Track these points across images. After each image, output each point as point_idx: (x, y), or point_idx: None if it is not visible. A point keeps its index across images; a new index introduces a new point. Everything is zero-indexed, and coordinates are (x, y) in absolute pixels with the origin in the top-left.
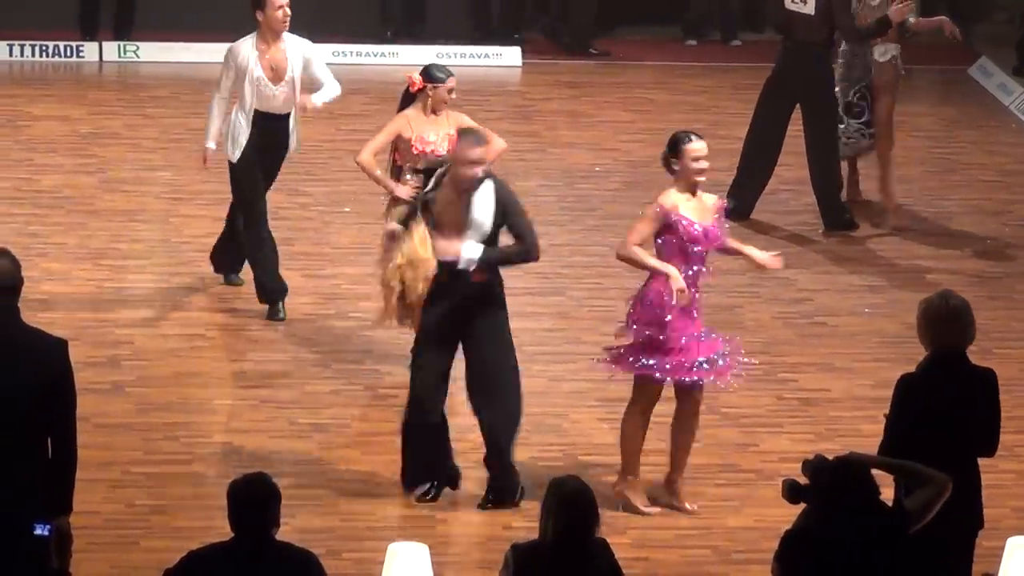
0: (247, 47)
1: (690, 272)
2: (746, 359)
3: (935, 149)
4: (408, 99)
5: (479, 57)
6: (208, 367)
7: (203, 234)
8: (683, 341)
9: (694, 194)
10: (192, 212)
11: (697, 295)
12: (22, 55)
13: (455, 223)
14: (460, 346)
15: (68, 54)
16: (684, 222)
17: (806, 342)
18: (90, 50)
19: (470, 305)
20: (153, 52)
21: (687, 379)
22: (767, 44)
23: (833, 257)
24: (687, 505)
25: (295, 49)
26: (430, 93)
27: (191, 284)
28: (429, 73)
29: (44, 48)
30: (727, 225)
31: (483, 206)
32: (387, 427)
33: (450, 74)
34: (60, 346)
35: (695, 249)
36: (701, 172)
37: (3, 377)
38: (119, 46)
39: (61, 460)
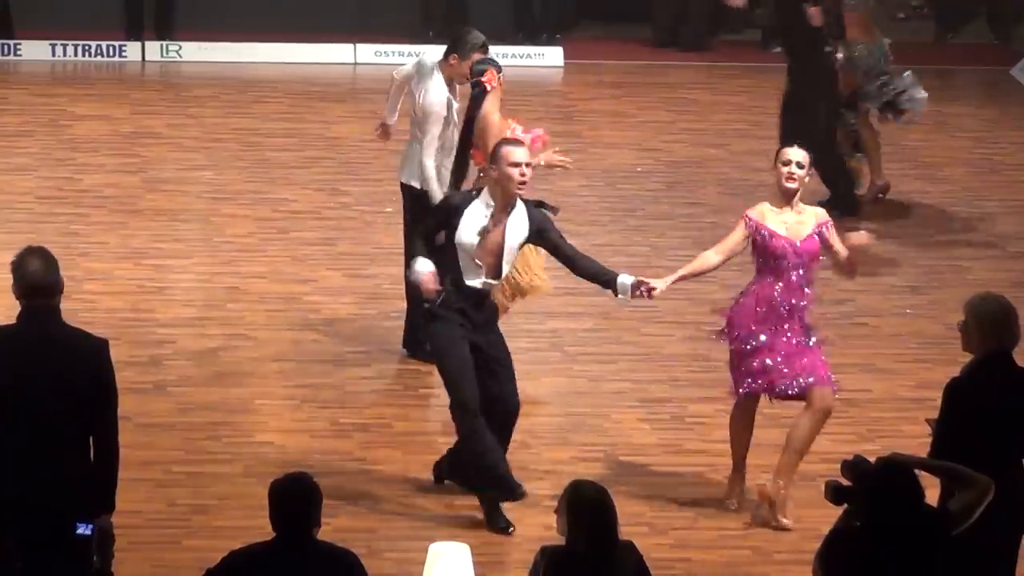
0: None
1: (778, 287)
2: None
3: (977, 149)
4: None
5: (521, 57)
6: (250, 367)
7: (244, 234)
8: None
9: (790, 204)
10: (234, 212)
11: (794, 309)
12: (65, 55)
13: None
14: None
15: (111, 54)
16: (765, 233)
17: (847, 343)
18: (132, 50)
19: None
20: (195, 52)
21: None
22: None
23: (874, 258)
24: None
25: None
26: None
27: (233, 283)
28: (496, 63)
29: (87, 48)
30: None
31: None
32: (428, 427)
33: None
34: (101, 346)
35: (783, 263)
36: (790, 178)
37: (45, 378)
38: (161, 46)
39: (103, 460)
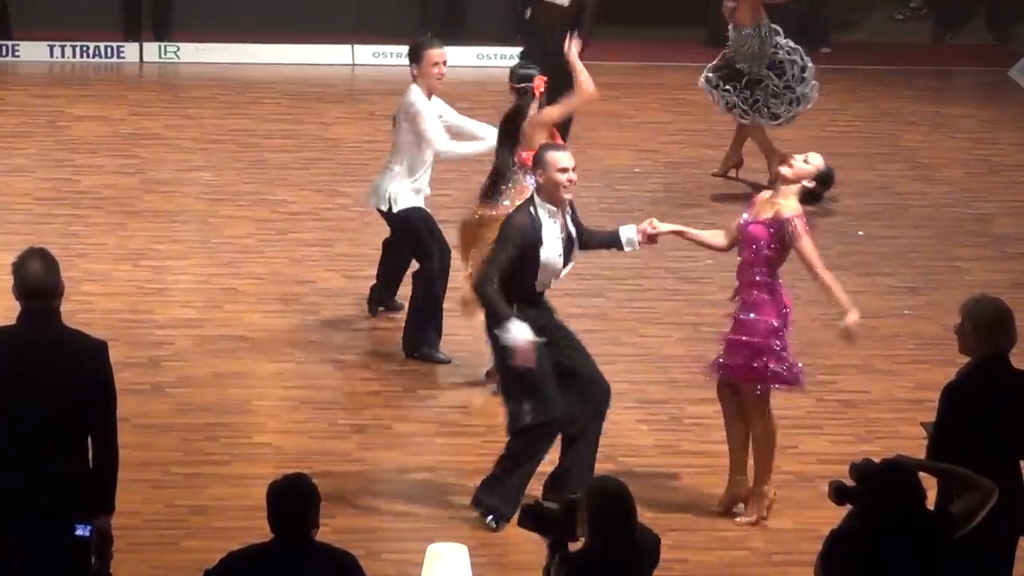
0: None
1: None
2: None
3: (975, 151)
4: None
5: (518, 58)
6: (248, 368)
7: (243, 235)
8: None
9: (781, 188)
10: (232, 213)
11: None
12: (63, 56)
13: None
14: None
15: (109, 55)
16: (746, 214)
17: (845, 343)
18: (130, 51)
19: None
20: (193, 53)
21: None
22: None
23: (873, 259)
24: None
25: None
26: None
27: (231, 285)
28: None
29: (85, 49)
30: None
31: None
32: (427, 428)
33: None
34: (100, 348)
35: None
36: (787, 164)
37: (43, 379)
38: (159, 47)
39: (102, 461)
